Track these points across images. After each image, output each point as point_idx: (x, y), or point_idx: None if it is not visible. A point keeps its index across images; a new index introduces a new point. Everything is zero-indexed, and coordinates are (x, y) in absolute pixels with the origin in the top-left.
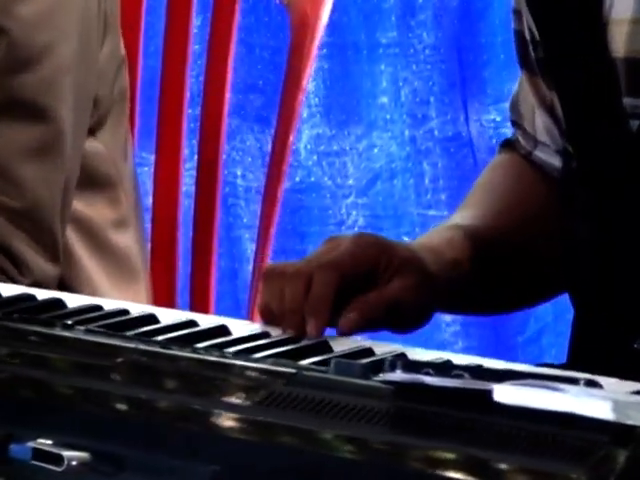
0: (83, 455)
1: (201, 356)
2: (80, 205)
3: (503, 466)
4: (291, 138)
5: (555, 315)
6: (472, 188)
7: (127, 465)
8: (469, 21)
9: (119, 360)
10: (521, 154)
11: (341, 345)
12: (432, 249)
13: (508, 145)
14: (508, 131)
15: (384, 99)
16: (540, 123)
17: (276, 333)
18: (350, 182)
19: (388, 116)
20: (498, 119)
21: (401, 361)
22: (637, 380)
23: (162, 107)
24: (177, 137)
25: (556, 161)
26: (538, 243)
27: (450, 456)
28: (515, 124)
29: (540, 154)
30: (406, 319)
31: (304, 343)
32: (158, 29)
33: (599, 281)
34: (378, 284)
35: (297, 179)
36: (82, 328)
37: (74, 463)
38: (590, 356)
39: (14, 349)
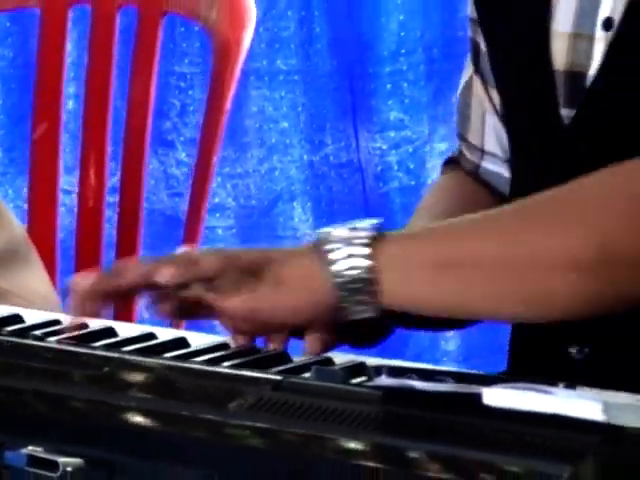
0: (77, 461)
1: (186, 364)
2: None
3: (494, 467)
4: (214, 159)
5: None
6: (414, 214)
7: (119, 470)
8: (360, 51)
9: (105, 370)
10: (466, 170)
11: (299, 355)
12: None
13: (451, 163)
14: (393, 159)
15: (285, 124)
16: (490, 129)
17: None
18: (253, 203)
19: (288, 141)
20: (384, 147)
21: (386, 367)
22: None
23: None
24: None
25: (505, 171)
26: None
27: (443, 458)
28: (460, 137)
29: (488, 165)
30: (364, 337)
31: (264, 354)
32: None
33: None
34: None
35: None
36: (53, 339)
37: (69, 469)
38: (528, 363)
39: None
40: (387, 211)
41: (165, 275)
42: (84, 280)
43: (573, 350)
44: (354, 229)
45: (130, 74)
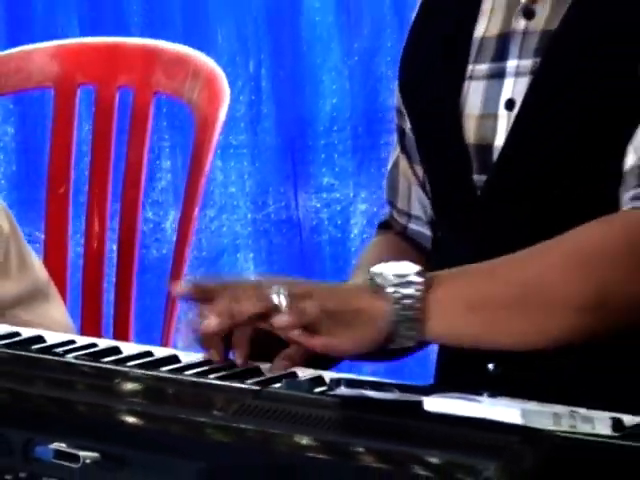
0: (94, 454)
1: (183, 377)
2: None
3: (434, 461)
4: (195, 215)
5: None
6: (355, 268)
7: (128, 462)
8: (300, 128)
9: (116, 380)
10: (396, 231)
11: (269, 370)
12: None
13: (383, 226)
14: (325, 215)
15: (232, 189)
16: (415, 198)
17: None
18: (203, 254)
19: (235, 202)
20: (318, 205)
21: (343, 379)
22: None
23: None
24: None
25: (427, 231)
26: None
27: (390, 453)
28: (390, 203)
29: (414, 226)
30: (323, 360)
31: (240, 368)
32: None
33: None
34: None
35: (164, 251)
36: (71, 356)
37: (88, 461)
38: (453, 377)
39: (27, 372)
40: (319, 258)
41: (281, 323)
42: (211, 322)
43: (491, 366)
44: (405, 275)
45: (127, 142)
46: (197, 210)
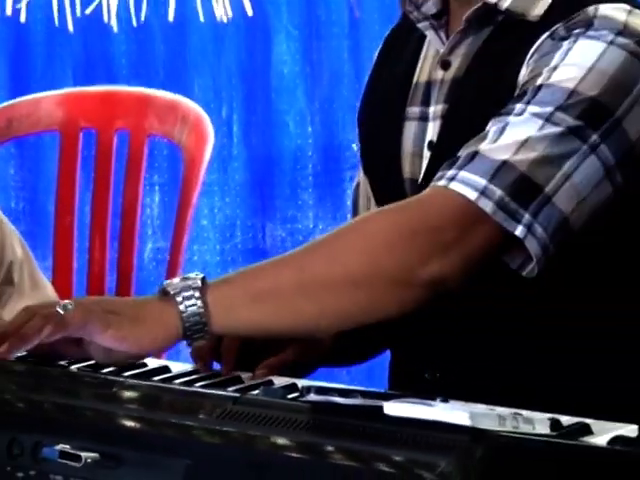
0: (94, 455)
1: (171, 386)
2: None
3: (395, 459)
4: (184, 244)
5: None
6: None
7: (125, 461)
8: (268, 167)
9: (114, 389)
10: None
11: (249, 379)
12: None
13: None
14: (289, 244)
15: (204, 222)
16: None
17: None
18: None
19: (206, 234)
20: (283, 235)
21: (313, 387)
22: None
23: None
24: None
25: None
26: None
27: (353, 452)
28: (354, 217)
29: None
30: (299, 369)
31: (224, 377)
32: None
33: (403, 336)
34: (277, 348)
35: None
36: (75, 367)
37: (89, 460)
38: (401, 384)
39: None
40: None
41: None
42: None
43: (427, 375)
44: (186, 279)
45: (124, 179)
46: (186, 240)
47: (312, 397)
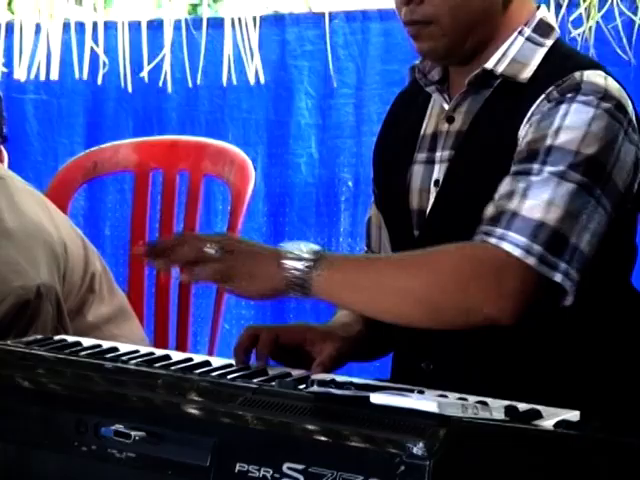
0: (142, 433)
1: (205, 377)
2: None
3: (375, 439)
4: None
5: None
6: None
7: (165, 438)
8: (283, 198)
9: (159, 381)
10: None
11: (272, 370)
12: (343, 324)
13: None
14: None
15: None
16: (385, 239)
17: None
18: None
19: None
20: None
21: (317, 380)
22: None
23: None
24: None
25: None
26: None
27: (346, 433)
28: (367, 245)
29: None
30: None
31: (253, 369)
32: None
33: (404, 334)
34: (314, 349)
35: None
36: (133, 362)
37: (137, 438)
38: (402, 373)
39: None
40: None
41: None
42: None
43: (423, 365)
44: (301, 251)
45: (185, 211)
46: None
47: (315, 389)
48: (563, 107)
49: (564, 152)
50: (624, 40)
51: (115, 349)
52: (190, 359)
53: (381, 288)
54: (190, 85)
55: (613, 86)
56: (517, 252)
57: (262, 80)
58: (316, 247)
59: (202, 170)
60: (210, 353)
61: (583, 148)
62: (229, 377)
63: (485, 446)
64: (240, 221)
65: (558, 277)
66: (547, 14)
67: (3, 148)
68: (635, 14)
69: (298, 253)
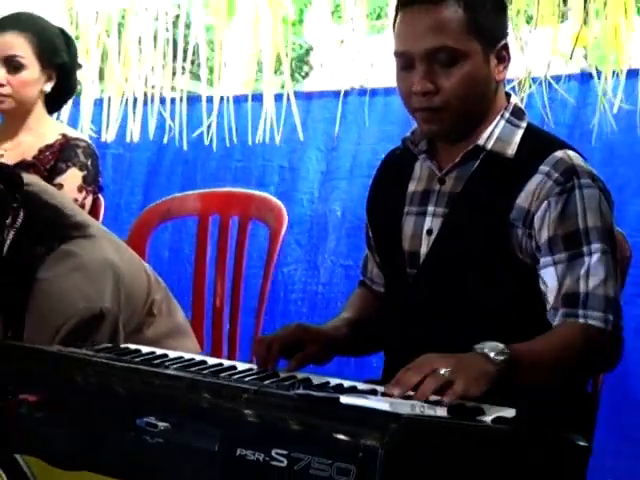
0: (167, 424)
1: (220, 380)
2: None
3: (340, 431)
4: (267, 294)
5: None
6: (347, 303)
7: (183, 428)
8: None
9: (184, 383)
10: (366, 287)
11: (283, 373)
12: (334, 326)
13: (360, 284)
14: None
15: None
16: (376, 272)
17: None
18: None
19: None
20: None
21: (303, 383)
22: None
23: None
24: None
25: (382, 289)
26: (373, 325)
27: (319, 426)
28: (363, 274)
29: (375, 287)
30: (319, 359)
31: (268, 372)
32: None
33: (394, 337)
34: (307, 346)
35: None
36: (175, 366)
37: (163, 428)
38: (391, 370)
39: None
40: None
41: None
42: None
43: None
44: (493, 346)
45: (236, 246)
46: (268, 290)
47: (299, 390)
48: (577, 194)
49: (596, 232)
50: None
51: (165, 355)
52: (221, 364)
53: (551, 365)
54: (227, 144)
55: (586, 163)
56: (599, 324)
57: (277, 140)
58: (501, 344)
59: (250, 215)
60: (251, 361)
61: (599, 224)
62: (246, 379)
63: (428, 437)
64: (276, 253)
65: (610, 329)
66: (517, 100)
67: (101, 196)
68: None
69: (496, 348)
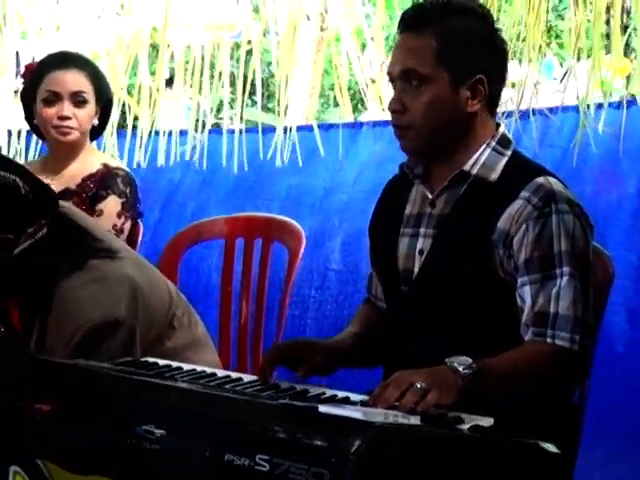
0: (162, 431)
1: (220, 391)
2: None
3: (317, 436)
4: (286, 309)
5: None
6: (354, 316)
7: (178, 435)
8: None
9: (180, 394)
10: (371, 302)
11: (283, 384)
12: (339, 340)
13: (365, 300)
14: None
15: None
16: (380, 289)
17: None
18: None
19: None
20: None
21: (289, 394)
22: None
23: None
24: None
25: (383, 304)
26: (376, 339)
27: (298, 431)
28: (369, 292)
29: (379, 302)
30: (324, 371)
31: (269, 385)
32: None
33: (391, 352)
34: (311, 358)
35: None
36: (187, 378)
37: (159, 435)
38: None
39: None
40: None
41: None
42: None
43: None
44: (463, 360)
45: (259, 267)
46: (288, 302)
47: (285, 400)
48: (553, 219)
49: (569, 257)
50: None
51: (180, 368)
52: (228, 376)
53: (517, 378)
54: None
55: (566, 190)
56: (566, 344)
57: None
58: (470, 359)
59: (271, 237)
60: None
61: (573, 248)
62: (246, 390)
63: (398, 443)
64: (295, 272)
65: (577, 348)
66: (505, 130)
67: (140, 221)
68: None
69: (465, 362)
